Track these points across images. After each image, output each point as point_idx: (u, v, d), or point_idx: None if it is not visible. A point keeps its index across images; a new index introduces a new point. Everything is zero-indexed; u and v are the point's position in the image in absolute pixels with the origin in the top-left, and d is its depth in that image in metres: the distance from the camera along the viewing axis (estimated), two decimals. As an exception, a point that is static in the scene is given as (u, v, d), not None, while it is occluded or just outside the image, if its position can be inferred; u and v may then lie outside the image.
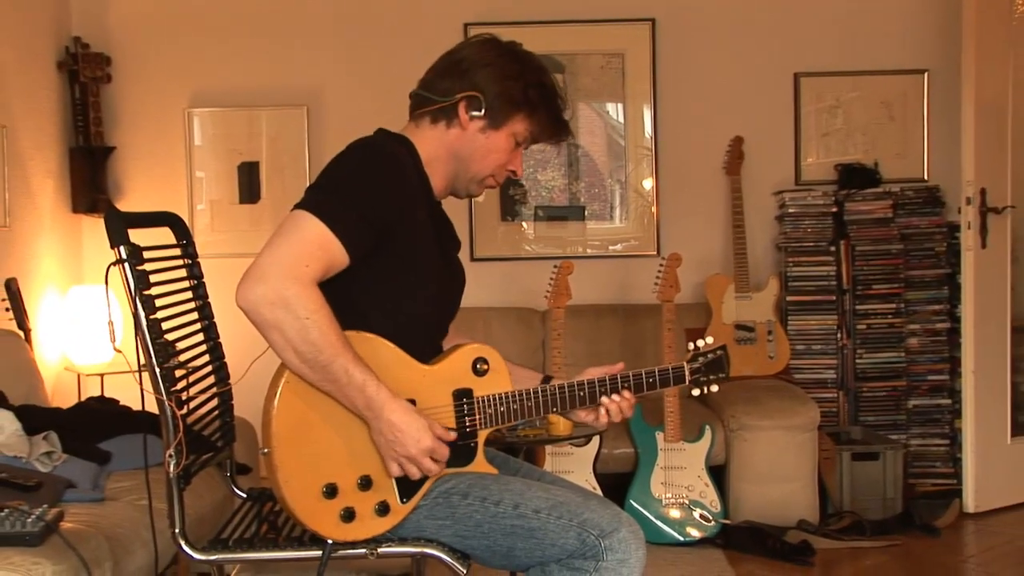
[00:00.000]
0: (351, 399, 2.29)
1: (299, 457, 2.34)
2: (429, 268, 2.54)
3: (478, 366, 2.49)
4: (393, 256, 2.43)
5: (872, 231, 5.61)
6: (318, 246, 2.26)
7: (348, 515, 2.36)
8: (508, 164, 2.60)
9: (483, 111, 2.49)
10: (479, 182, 2.62)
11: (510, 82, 2.49)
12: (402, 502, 2.39)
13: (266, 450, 2.33)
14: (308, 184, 2.44)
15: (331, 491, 2.35)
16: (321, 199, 2.32)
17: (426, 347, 2.48)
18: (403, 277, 2.47)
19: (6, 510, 2.88)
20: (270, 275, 2.21)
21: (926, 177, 5.81)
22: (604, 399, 2.52)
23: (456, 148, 2.55)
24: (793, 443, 4.98)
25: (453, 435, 2.39)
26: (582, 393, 2.52)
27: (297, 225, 2.28)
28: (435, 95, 2.54)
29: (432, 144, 2.55)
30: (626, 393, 2.54)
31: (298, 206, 2.31)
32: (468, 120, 2.51)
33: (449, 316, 2.68)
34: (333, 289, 2.31)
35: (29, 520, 2.85)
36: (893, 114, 5.86)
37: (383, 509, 2.38)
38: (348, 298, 2.37)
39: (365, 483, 2.37)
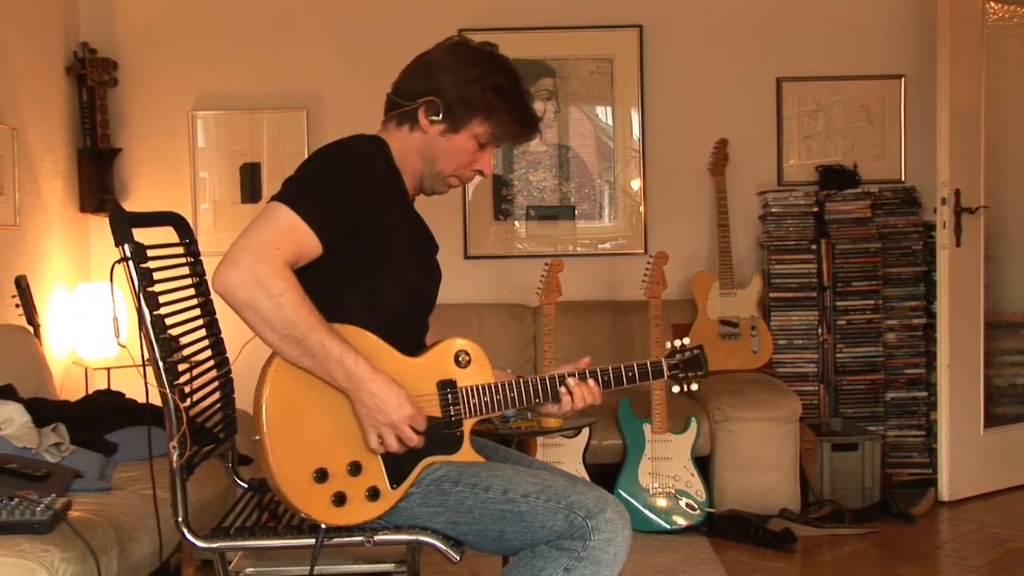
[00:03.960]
0: (331, 373, 2.30)
1: (289, 442, 2.34)
2: (405, 260, 2.55)
3: (460, 358, 2.49)
4: (369, 248, 2.44)
5: (851, 230, 5.62)
6: (288, 231, 2.29)
7: (339, 499, 2.35)
8: (473, 164, 2.60)
9: (440, 115, 2.51)
10: (443, 181, 2.62)
11: (467, 86, 2.50)
12: (392, 487, 2.39)
13: (257, 436, 2.33)
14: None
15: (321, 475, 2.34)
16: (292, 189, 2.36)
17: (407, 340, 2.48)
18: (380, 268, 2.48)
19: (16, 499, 2.87)
20: (242, 258, 2.24)
21: (903, 178, 5.82)
22: (570, 380, 2.51)
23: (421, 149, 2.57)
24: (776, 434, 5.00)
25: (433, 410, 2.41)
26: (562, 386, 2.52)
27: (270, 214, 2.31)
28: (400, 99, 2.57)
29: (399, 144, 2.57)
30: (591, 382, 2.53)
31: (273, 197, 2.35)
32: (428, 124, 2.53)
33: (427, 309, 2.68)
34: (313, 284, 2.33)
35: (38, 509, 2.84)
36: (871, 118, 5.87)
37: (373, 494, 2.38)
38: (329, 292, 2.38)
39: (355, 468, 2.37)
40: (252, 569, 2.57)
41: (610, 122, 5.91)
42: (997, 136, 5.46)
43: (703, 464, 4.95)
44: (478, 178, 2.79)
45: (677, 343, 2.67)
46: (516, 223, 5.94)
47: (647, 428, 4.85)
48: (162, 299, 2.51)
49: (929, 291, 5.53)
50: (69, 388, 5.20)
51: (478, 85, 2.50)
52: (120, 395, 4.39)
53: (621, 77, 5.87)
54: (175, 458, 2.47)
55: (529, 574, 2.32)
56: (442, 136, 2.54)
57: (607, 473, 4.75)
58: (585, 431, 4.72)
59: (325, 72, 5.84)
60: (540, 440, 4.62)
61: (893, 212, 5.65)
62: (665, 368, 2.62)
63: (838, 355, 5.62)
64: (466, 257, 5.90)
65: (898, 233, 5.62)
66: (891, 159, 5.87)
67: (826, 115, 5.89)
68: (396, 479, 2.39)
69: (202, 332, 2.79)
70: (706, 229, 5.85)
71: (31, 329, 4.78)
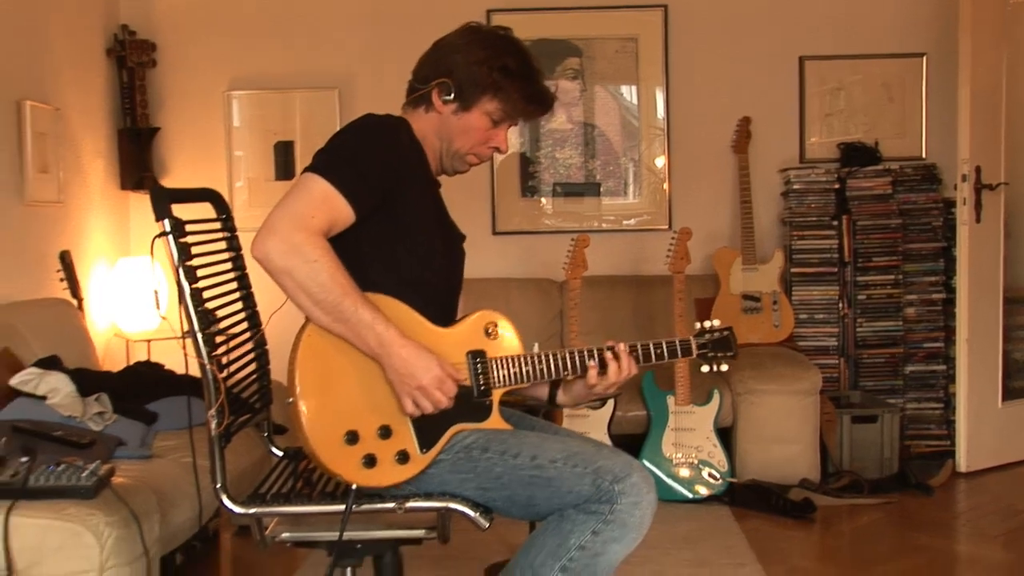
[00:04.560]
0: (363, 338, 2.34)
1: (321, 405, 2.37)
2: (431, 234, 2.60)
3: (489, 330, 2.52)
4: (397, 220, 2.48)
5: (872, 207, 5.60)
6: (322, 200, 2.34)
7: (369, 461, 2.38)
8: (489, 141, 2.64)
9: (452, 95, 2.56)
10: (461, 159, 2.67)
11: (475, 66, 2.55)
12: (421, 452, 2.41)
13: (291, 399, 2.37)
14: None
15: (352, 438, 2.37)
16: (324, 160, 2.41)
17: (436, 313, 2.51)
18: (408, 240, 2.51)
19: (63, 465, 2.92)
20: (279, 227, 2.29)
21: (924, 155, 5.80)
22: (608, 354, 2.53)
23: (437, 129, 2.62)
24: (796, 407, 5.00)
25: (462, 374, 2.43)
26: (591, 359, 2.54)
27: (304, 184, 2.36)
28: (417, 83, 2.64)
29: (419, 126, 2.62)
30: (624, 355, 2.54)
31: (306, 169, 2.39)
32: (442, 104, 2.58)
33: (454, 286, 2.71)
34: (345, 255, 2.36)
35: (84, 475, 2.88)
36: (893, 96, 5.84)
37: (403, 457, 2.40)
38: (359, 263, 2.41)
39: (385, 432, 2.40)
40: (288, 534, 2.59)
41: (635, 101, 5.91)
42: (1017, 114, 5.42)
43: (725, 435, 4.97)
44: (498, 156, 2.83)
45: (707, 324, 2.67)
46: (543, 200, 5.96)
47: (670, 400, 4.87)
48: (200, 273, 2.53)
49: (948, 267, 5.51)
50: (111, 359, 5.26)
51: (485, 65, 2.55)
52: (160, 366, 4.43)
53: (646, 56, 5.87)
54: (213, 427, 2.50)
55: (557, 538, 2.34)
56: (455, 115, 2.59)
57: (631, 444, 4.76)
58: (610, 402, 4.74)
59: (356, 53, 5.86)
60: (566, 411, 4.64)
61: (913, 189, 5.62)
62: (694, 347, 2.63)
63: (858, 329, 5.62)
64: (494, 233, 5.93)
65: (918, 209, 5.60)
66: (912, 137, 5.84)
67: (848, 93, 5.86)
68: (425, 444, 2.42)
69: (239, 305, 2.81)
70: (729, 206, 5.85)
71: (75, 302, 4.83)
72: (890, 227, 5.57)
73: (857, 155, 5.70)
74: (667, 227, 5.83)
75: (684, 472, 4.82)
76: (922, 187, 5.63)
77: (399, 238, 2.50)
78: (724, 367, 2.67)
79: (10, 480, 2.82)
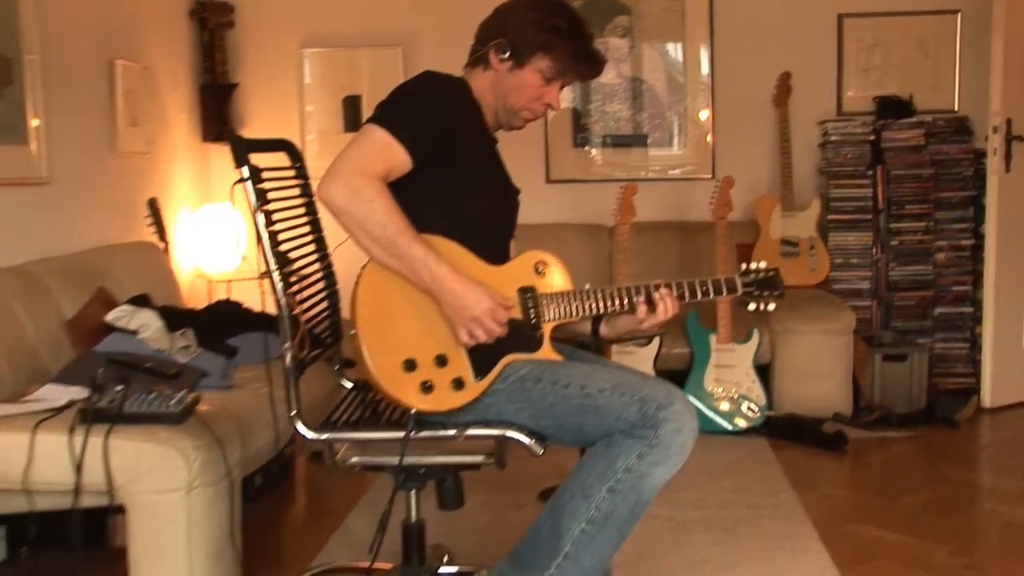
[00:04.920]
0: (418, 274, 2.37)
1: (381, 336, 2.40)
2: (484, 182, 2.64)
3: (539, 268, 2.54)
4: (452, 167, 2.51)
5: (906, 157, 5.53)
6: (381, 147, 2.38)
7: (427, 387, 2.41)
8: (542, 98, 2.65)
9: (507, 53, 2.59)
10: (516, 114, 2.68)
11: (528, 27, 2.58)
12: (476, 380, 2.44)
13: (353, 331, 2.40)
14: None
15: (410, 365, 2.40)
16: (384, 112, 2.45)
17: (488, 254, 2.53)
18: (461, 187, 2.54)
19: (153, 394, 2.97)
20: (341, 171, 2.34)
21: (956, 108, 5.70)
22: (655, 294, 2.53)
23: (493, 86, 2.64)
24: (831, 345, 5.00)
25: (511, 305, 2.45)
26: (638, 296, 2.55)
27: (365, 134, 2.40)
28: (477, 44, 2.67)
29: (477, 84, 2.66)
30: (668, 294, 2.54)
31: (367, 120, 2.43)
32: (498, 63, 2.61)
33: (507, 227, 2.73)
34: (402, 199, 2.39)
35: (172, 402, 2.93)
36: (927, 51, 5.74)
37: (458, 384, 2.43)
38: (415, 207, 2.43)
39: (441, 360, 2.42)
40: (356, 459, 2.63)
41: (680, 58, 5.85)
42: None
43: (763, 372, 4.96)
44: (551, 112, 2.84)
45: (753, 265, 2.66)
46: (593, 150, 5.94)
47: (712, 338, 4.87)
48: (276, 217, 2.57)
49: (978, 214, 5.43)
50: (194, 298, 5.32)
51: (537, 25, 2.58)
52: (239, 304, 4.46)
53: (691, 15, 5.80)
54: (288, 360, 2.55)
55: (606, 461, 2.36)
56: (510, 72, 2.61)
57: (675, 379, 4.69)
58: (656, 340, 4.75)
59: (420, 12, 5.84)
60: (614, 348, 4.65)
61: (946, 140, 5.54)
62: (739, 286, 2.62)
63: (890, 273, 5.57)
64: (548, 181, 5.92)
65: (950, 160, 5.52)
66: (945, 91, 5.74)
67: (884, 49, 5.76)
68: (480, 372, 2.45)
69: (311, 247, 2.84)
70: (769, 156, 5.80)
71: (162, 246, 4.89)
72: (922, 177, 5.51)
73: (892, 108, 5.62)
74: (710, 176, 5.79)
75: (724, 406, 4.83)
76: (954, 139, 5.54)
77: (453, 186, 2.52)
78: (771, 306, 2.65)
79: (107, 406, 2.88)
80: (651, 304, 2.55)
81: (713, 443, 4.57)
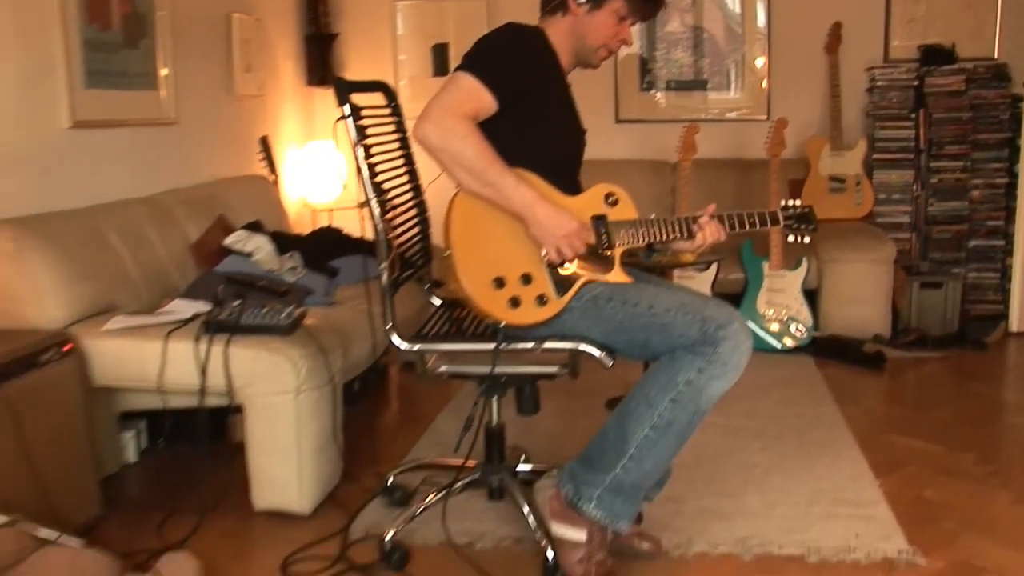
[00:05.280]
0: (508, 200, 2.37)
1: (472, 256, 2.41)
2: (560, 121, 2.62)
3: (609, 198, 2.52)
4: (532, 108, 2.49)
5: (947, 101, 5.38)
6: (469, 91, 2.38)
7: (514, 303, 2.41)
8: (617, 36, 2.63)
9: None
10: (594, 53, 2.65)
11: None
12: (558, 296, 2.45)
13: (447, 252, 2.41)
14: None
15: (499, 283, 2.40)
16: (471, 60, 2.43)
17: (562, 186, 2.51)
18: (541, 126, 2.52)
19: (266, 308, 3.02)
20: (435, 113, 2.34)
21: (996, 56, 5.51)
22: (702, 219, 2.52)
23: (572, 28, 2.61)
24: (873, 273, 4.92)
25: (589, 232, 2.45)
26: (695, 224, 2.53)
27: (454, 79, 2.40)
28: None
29: (554, 30, 2.62)
30: (717, 222, 2.53)
31: (457, 67, 2.42)
32: (576, 7, 2.58)
33: (578, 162, 2.70)
34: (490, 137, 2.38)
35: (282, 316, 2.98)
36: (969, 2, 5.55)
37: (542, 301, 2.43)
38: (501, 145, 2.40)
39: (526, 279, 2.43)
40: (445, 368, 2.65)
41: (738, 10, 5.71)
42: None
43: (811, 296, 4.91)
44: (623, 50, 2.84)
45: (791, 201, 2.64)
46: (657, 94, 5.85)
47: (765, 265, 4.83)
48: (373, 151, 2.58)
49: (1012, 155, 5.28)
50: (300, 225, 5.36)
51: None
52: (339, 231, 4.49)
53: (751, -31, 5.68)
54: (385, 278, 2.57)
55: (668, 374, 2.36)
56: (587, 15, 2.58)
57: (730, 302, 4.73)
58: (714, 266, 4.72)
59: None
60: (675, 273, 4.63)
61: (985, 86, 5.37)
62: (780, 218, 2.60)
63: (929, 208, 5.45)
64: (617, 121, 5.86)
65: (988, 104, 5.36)
66: (986, 39, 5.55)
67: (929, 0, 5.59)
68: (560, 290, 2.45)
69: (405, 178, 2.85)
70: (820, 100, 5.67)
71: (272, 178, 4.93)
72: (961, 120, 5.36)
73: (935, 56, 5.46)
74: (765, 118, 5.68)
75: (774, 327, 4.79)
76: (993, 84, 5.37)
77: (533, 124, 2.50)
78: (807, 239, 2.64)
79: (227, 319, 2.93)
80: (695, 231, 2.54)
81: (764, 360, 4.54)
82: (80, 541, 2.44)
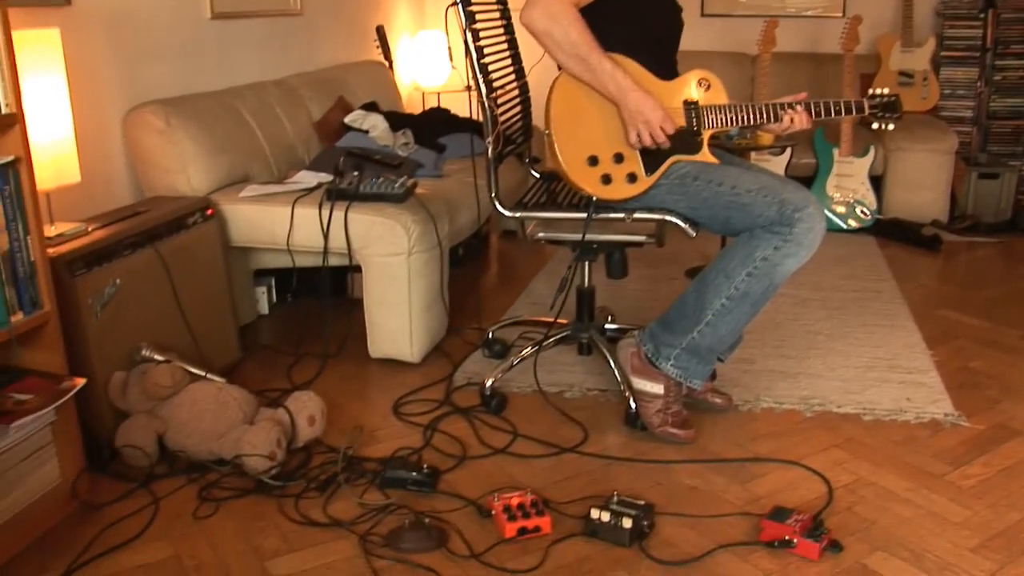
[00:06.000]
0: (604, 85, 2.29)
1: (570, 135, 2.34)
2: (658, 8, 2.49)
3: (701, 83, 2.40)
4: None
5: (1016, 1, 5.03)
6: None
7: (606, 180, 2.36)
8: None
9: None
10: None
11: None
12: (646, 175, 2.38)
13: (547, 131, 2.35)
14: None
15: (593, 161, 2.35)
16: None
17: (659, 70, 2.40)
18: (640, 8, 2.41)
19: (381, 179, 3.00)
20: (540, 1, 2.26)
21: (1066, -42, 5.14)
22: (789, 110, 2.39)
23: None
24: (935, 162, 4.72)
25: (679, 118, 2.36)
26: (780, 110, 2.40)
27: None
28: None
29: None
30: (803, 110, 2.38)
31: None
32: None
33: (674, 43, 2.58)
34: (591, 21, 2.29)
35: (396, 186, 2.96)
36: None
37: (632, 178, 2.37)
38: (602, 30, 2.31)
39: (618, 158, 2.36)
40: (543, 234, 2.63)
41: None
42: None
43: (876, 182, 4.73)
44: None
45: (878, 90, 2.48)
46: (741, -10, 5.61)
47: (835, 152, 4.65)
48: (481, 35, 2.52)
49: (1076, 54, 4.99)
50: (412, 105, 5.32)
51: None
52: (447, 111, 4.45)
53: None
54: (490, 151, 2.53)
55: (747, 250, 2.30)
56: None
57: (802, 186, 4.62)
58: (788, 151, 4.56)
59: None
60: (753, 155, 4.50)
61: (1054, -14, 5.04)
62: (866, 106, 2.44)
63: (991, 104, 5.17)
64: (702, 15, 5.61)
65: (1056, 4, 5.03)
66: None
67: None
68: (650, 169, 2.38)
69: (508, 62, 2.79)
70: (894, -1, 5.39)
71: (387, 64, 4.87)
72: (1029, 19, 5.04)
73: (1008, -43, 5.11)
74: (841, 15, 5.39)
75: (841, 209, 4.64)
76: (1062, -15, 5.03)
77: (631, 8, 2.39)
78: (891, 126, 2.48)
79: (347, 188, 2.92)
80: (790, 119, 2.41)
81: (830, 239, 4.41)
82: (223, 379, 2.50)
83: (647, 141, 2.32)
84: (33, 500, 2.06)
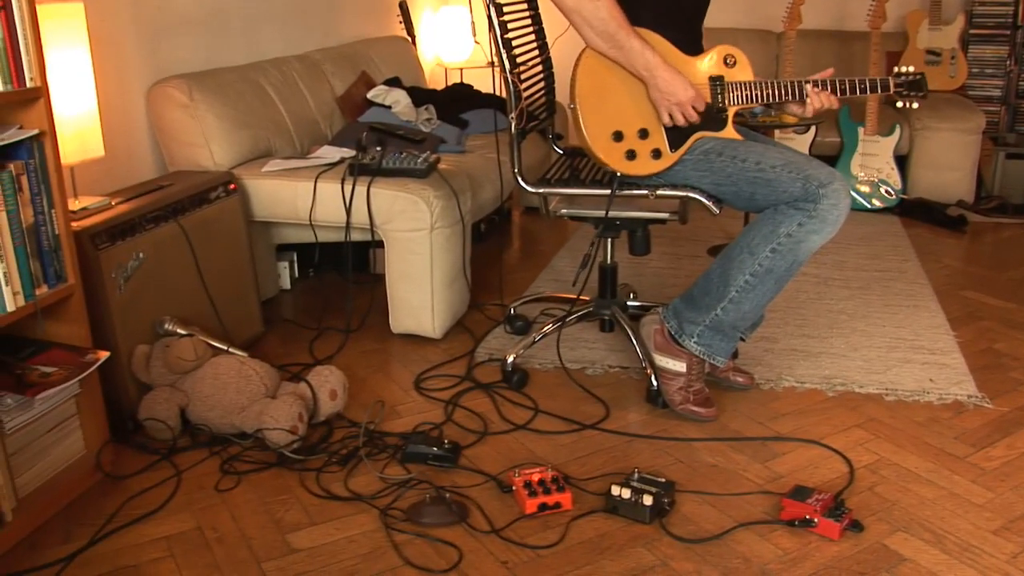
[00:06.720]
0: (632, 62, 2.27)
1: (595, 110, 2.32)
2: None
3: (728, 59, 2.37)
4: None
5: (1049, -22, 4.96)
6: None
7: (631, 155, 2.34)
8: None
9: None
10: None
11: None
12: (671, 151, 2.35)
13: (572, 105, 2.33)
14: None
15: (618, 136, 2.32)
16: None
17: (686, 46, 2.37)
18: None
19: (404, 154, 2.99)
20: None
21: (1101, -66, 5.04)
22: (812, 88, 2.36)
23: None
24: (961, 142, 4.65)
25: (706, 96, 2.33)
26: (806, 87, 2.36)
27: None
28: None
29: None
30: (829, 91, 2.35)
31: None
32: None
33: (701, 14, 2.53)
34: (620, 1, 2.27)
35: (418, 161, 2.95)
36: None
37: (656, 154, 2.35)
38: (631, 5, 2.28)
39: (643, 133, 2.34)
40: (566, 210, 2.61)
41: None
42: None
43: (901, 161, 4.68)
44: None
45: (904, 68, 2.44)
46: (767, -33, 5.53)
47: (860, 130, 4.59)
48: (505, 10, 2.49)
49: (1109, 31, 4.89)
50: (434, 81, 5.29)
51: None
52: (470, 87, 4.43)
53: None
54: (513, 127, 2.50)
55: (771, 226, 2.27)
56: None
57: (827, 163, 4.57)
58: (812, 129, 4.51)
59: None
60: (777, 133, 4.46)
61: (1087, -37, 4.94)
62: (892, 84, 2.41)
63: (1020, 83, 5.08)
64: (727, -9, 5.58)
65: (1088, -18, 4.94)
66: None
67: None
68: (674, 145, 2.35)
69: (531, 37, 2.75)
70: (923, -25, 5.30)
71: (409, 39, 4.84)
72: (1062, -4, 4.94)
73: (1040, -67, 5.01)
74: (868, -8, 5.33)
75: (865, 188, 4.58)
76: (1096, -39, 4.93)
77: None
78: (915, 105, 2.45)
79: (369, 163, 2.91)
80: (815, 97, 2.37)
81: (854, 218, 4.41)
82: (245, 353, 2.50)
83: (680, 120, 2.30)
84: (58, 471, 2.08)
